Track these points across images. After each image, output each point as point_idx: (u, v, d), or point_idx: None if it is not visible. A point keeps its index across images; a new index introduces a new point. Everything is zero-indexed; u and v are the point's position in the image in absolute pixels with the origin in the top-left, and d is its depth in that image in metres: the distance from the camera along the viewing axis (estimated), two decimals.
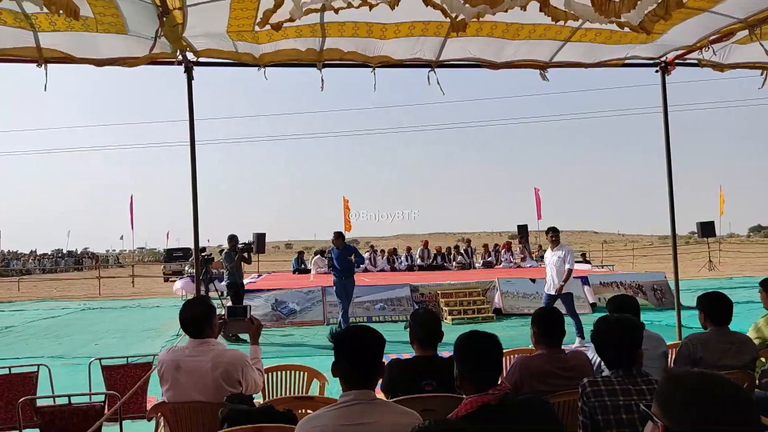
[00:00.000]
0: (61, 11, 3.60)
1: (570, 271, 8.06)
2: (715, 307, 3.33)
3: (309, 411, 2.96)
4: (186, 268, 22.00)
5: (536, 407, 2.05)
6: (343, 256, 9.54)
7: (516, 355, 3.34)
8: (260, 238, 19.59)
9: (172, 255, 31.67)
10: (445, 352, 3.04)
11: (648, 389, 2.13)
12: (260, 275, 18.67)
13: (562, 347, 2.93)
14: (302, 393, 3.55)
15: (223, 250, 16.25)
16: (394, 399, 2.57)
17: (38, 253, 54.84)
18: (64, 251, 54.96)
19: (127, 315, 14.56)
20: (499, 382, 2.07)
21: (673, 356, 3.74)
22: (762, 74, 5.49)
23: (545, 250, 23.56)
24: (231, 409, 2.50)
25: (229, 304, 10.17)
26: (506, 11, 3.94)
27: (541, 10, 3.78)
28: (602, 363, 3.23)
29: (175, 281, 19.26)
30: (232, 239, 10.06)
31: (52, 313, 15.28)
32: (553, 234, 8.43)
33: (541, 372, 2.78)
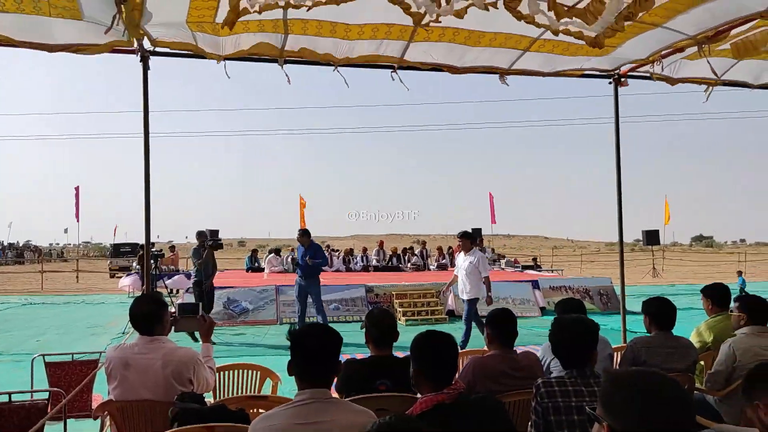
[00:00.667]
0: None
1: (488, 278, 7.89)
2: (660, 312, 3.46)
3: (262, 410, 2.92)
4: (134, 264, 21.39)
5: (490, 407, 2.08)
6: (306, 255, 9.32)
7: (469, 356, 3.38)
8: (212, 234, 19.24)
9: (119, 250, 30.68)
10: (399, 352, 3.06)
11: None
12: None
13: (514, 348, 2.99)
14: (255, 392, 3.51)
15: (173, 245, 15.77)
16: (349, 398, 2.57)
17: None
18: (5, 243, 52.62)
19: (71, 311, 14.04)
20: (453, 382, 2.09)
21: (618, 359, 3.87)
22: (706, 89, 5.75)
23: (498, 254, 23.87)
24: (181, 408, 2.44)
25: (180, 301, 9.88)
26: (465, 11, 4.00)
27: (507, 7, 3.84)
28: (551, 363, 3.33)
29: (121, 277, 18.68)
30: (201, 235, 9.72)
31: None
32: (462, 239, 8.19)
33: (494, 372, 2.82)
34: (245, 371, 3.60)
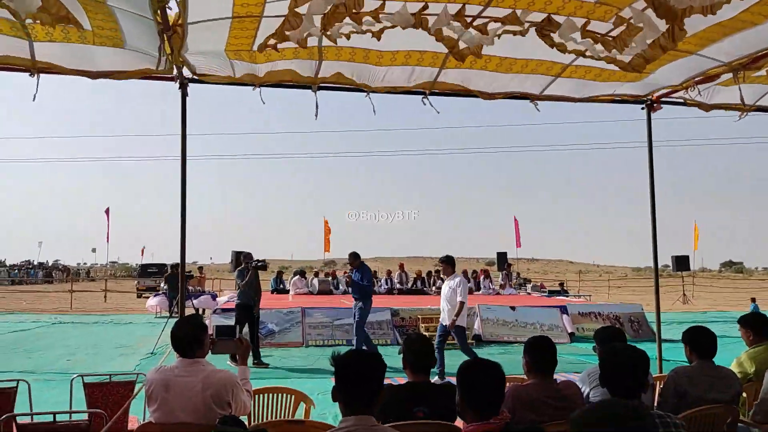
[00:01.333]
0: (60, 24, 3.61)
1: (462, 303, 7.61)
2: (701, 341, 3.39)
3: None
4: (161, 285, 21.66)
5: None
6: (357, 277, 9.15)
7: (508, 384, 3.34)
8: (238, 256, 19.41)
9: (146, 270, 31.09)
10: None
11: (649, 423, 2.13)
12: None
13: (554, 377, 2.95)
14: (289, 416, 3.51)
15: (201, 266, 15.95)
16: (387, 425, 2.56)
17: (7, 263, 53.54)
18: (35, 263, 53.75)
19: (100, 331, 14.24)
20: (500, 412, 2.07)
21: (658, 389, 3.79)
22: (740, 116, 5.69)
23: (524, 279, 23.63)
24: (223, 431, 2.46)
25: (213, 322, 9.89)
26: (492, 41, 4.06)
27: (540, 35, 3.89)
28: (591, 393, 3.27)
29: (148, 297, 18.91)
30: (246, 256, 9.48)
31: (22, 326, 14.88)
32: (443, 263, 8.04)
33: (533, 401, 2.79)
34: (280, 395, 3.60)
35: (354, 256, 9.29)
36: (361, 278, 9.08)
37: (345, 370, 2.06)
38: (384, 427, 2.08)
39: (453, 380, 2.36)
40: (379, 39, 3.76)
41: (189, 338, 2.84)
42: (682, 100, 5.41)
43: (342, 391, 2.04)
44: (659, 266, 6.07)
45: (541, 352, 2.91)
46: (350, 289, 9.41)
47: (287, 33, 3.72)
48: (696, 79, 5.05)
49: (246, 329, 8.98)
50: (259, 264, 9.30)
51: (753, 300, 18.02)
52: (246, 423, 3.23)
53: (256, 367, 8.79)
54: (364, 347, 8.74)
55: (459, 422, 3.14)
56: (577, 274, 40.93)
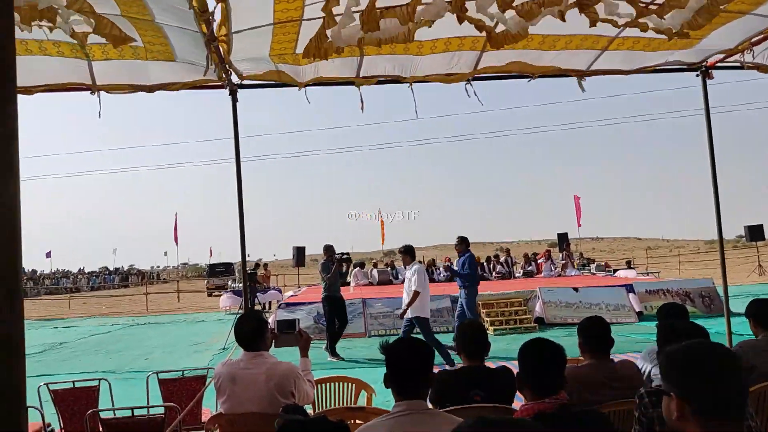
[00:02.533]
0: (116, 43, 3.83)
1: (416, 293, 7.43)
2: (765, 313, 3.27)
3: (360, 421, 3.04)
4: (229, 283, 22.47)
5: (594, 420, 2.07)
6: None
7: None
8: (299, 251, 19.90)
9: (214, 270, 32.30)
10: (489, 363, 3.08)
11: None
12: (300, 288, 18.94)
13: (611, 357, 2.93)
14: (351, 404, 3.63)
15: (258, 264, 16.39)
16: (444, 409, 2.62)
17: (86, 270, 56.71)
18: (111, 268, 56.67)
19: (174, 330, 14.94)
20: (558, 392, 2.09)
21: None
22: None
23: (587, 259, 23.05)
24: (286, 419, 2.58)
25: (278, 317, 10.18)
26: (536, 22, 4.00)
27: (581, 12, 3.81)
28: (652, 371, 3.22)
29: (220, 295, 19.69)
30: (329, 249, 9.53)
31: (102, 329, 15.80)
32: (402, 253, 7.85)
33: (590, 382, 2.78)
34: (341, 383, 3.73)
35: (461, 241, 8.88)
36: (463, 265, 8.74)
37: (394, 358, 2.13)
38: (435, 410, 2.15)
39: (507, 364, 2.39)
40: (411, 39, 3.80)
41: (251, 333, 2.99)
42: (738, 64, 5.17)
43: (393, 378, 2.12)
44: (732, 237, 5.86)
45: (593, 332, 2.90)
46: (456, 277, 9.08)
47: (328, 37, 3.80)
48: (752, 40, 4.82)
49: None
50: (344, 257, 9.45)
51: None
52: (311, 412, 3.38)
53: (333, 360, 9.00)
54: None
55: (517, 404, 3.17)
56: (645, 251, 39.59)
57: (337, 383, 3.73)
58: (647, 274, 20.12)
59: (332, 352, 9.22)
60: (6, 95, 1.00)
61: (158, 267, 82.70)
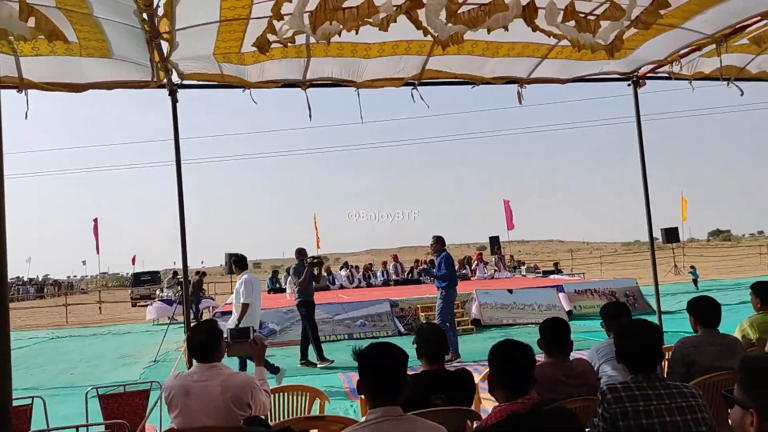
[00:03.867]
0: (43, 36, 3.58)
1: (245, 305, 7.25)
2: (706, 310, 3.46)
3: (319, 431, 2.98)
4: (157, 292, 21.59)
5: (564, 418, 2.10)
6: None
7: None
8: (233, 258, 19.42)
9: (139, 279, 30.99)
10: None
11: (666, 393, 2.19)
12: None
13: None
14: (305, 413, 3.54)
15: (202, 272, 15.89)
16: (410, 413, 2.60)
17: None
18: (25, 279, 53.25)
19: (99, 342, 14.17)
20: (528, 393, 2.11)
21: (666, 359, 3.86)
22: (728, 84, 5.75)
23: (518, 261, 23.75)
24: None
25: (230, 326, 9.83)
26: (488, 32, 4.08)
27: (528, 25, 3.91)
28: (601, 367, 3.33)
29: (146, 305, 18.89)
30: (300, 252, 9.25)
31: (19, 343, 14.76)
32: (234, 262, 7.73)
33: (548, 380, 2.84)
34: (295, 393, 3.64)
35: (437, 240, 8.64)
36: (439, 265, 8.51)
37: (368, 363, 2.09)
38: (411, 416, 2.11)
39: None
40: (357, 33, 3.77)
41: (206, 343, 2.86)
42: (667, 74, 5.47)
43: (367, 384, 2.08)
44: (648, 239, 6.15)
45: (554, 333, 2.97)
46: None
47: (271, 36, 3.71)
48: (680, 52, 5.11)
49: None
50: (315, 261, 9.13)
51: (692, 267, 19.80)
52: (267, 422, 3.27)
53: (323, 366, 8.74)
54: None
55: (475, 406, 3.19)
56: (569, 253, 41.25)
57: (290, 393, 3.64)
58: (573, 275, 20.97)
59: (320, 356, 8.85)
60: None
61: (76, 276, 78.53)
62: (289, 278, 18.17)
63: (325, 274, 18.86)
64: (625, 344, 2.35)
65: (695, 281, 18.71)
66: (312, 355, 9.05)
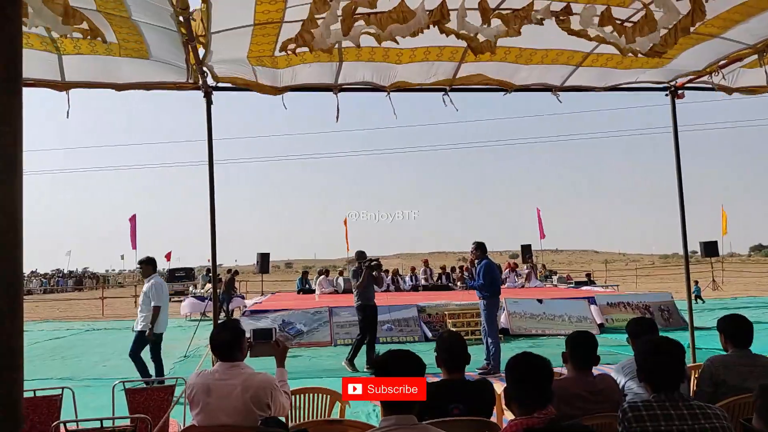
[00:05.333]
0: (87, 36, 3.70)
1: (157, 308, 7.07)
2: (736, 329, 3.34)
3: None
4: (190, 288, 22.01)
5: None
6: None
7: None
8: (264, 258, 19.67)
9: (174, 275, 31.59)
10: (471, 373, 3.06)
11: (689, 414, 2.13)
12: (264, 295, 18.68)
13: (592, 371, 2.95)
14: (325, 415, 3.56)
15: (234, 270, 16.06)
16: (423, 422, 2.58)
17: (39, 272, 54.75)
18: (65, 271, 54.82)
19: (132, 336, 14.44)
20: (546, 407, 2.08)
21: (694, 378, 3.76)
22: None
23: (550, 270, 23.38)
24: None
25: (244, 325, 9.90)
26: (518, 31, 4.03)
27: (559, 24, 3.88)
28: (626, 385, 3.26)
29: (180, 301, 19.26)
30: (360, 255, 9.04)
31: (57, 334, 15.20)
32: (143, 264, 7.45)
33: (570, 395, 2.79)
34: (315, 394, 3.66)
35: (477, 246, 8.37)
36: (479, 274, 8.16)
37: (383, 371, 2.09)
38: (424, 425, 2.11)
39: None
40: (397, 42, 3.79)
41: (228, 343, 2.90)
42: (706, 85, 5.33)
43: None
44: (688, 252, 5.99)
45: (580, 347, 2.92)
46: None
47: (307, 38, 3.75)
48: (720, 63, 4.98)
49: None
50: (374, 263, 8.85)
51: (695, 282, 18.77)
52: (286, 424, 3.29)
53: (349, 368, 8.42)
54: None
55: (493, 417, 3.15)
56: (603, 264, 40.48)
57: (311, 394, 3.66)
58: (606, 287, 20.56)
59: (350, 361, 8.54)
60: (12, 90, 0.92)
61: (114, 270, 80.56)
62: (319, 279, 18.34)
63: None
64: (646, 362, 2.29)
65: (698, 296, 18.45)
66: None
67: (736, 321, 3.36)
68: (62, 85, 4.64)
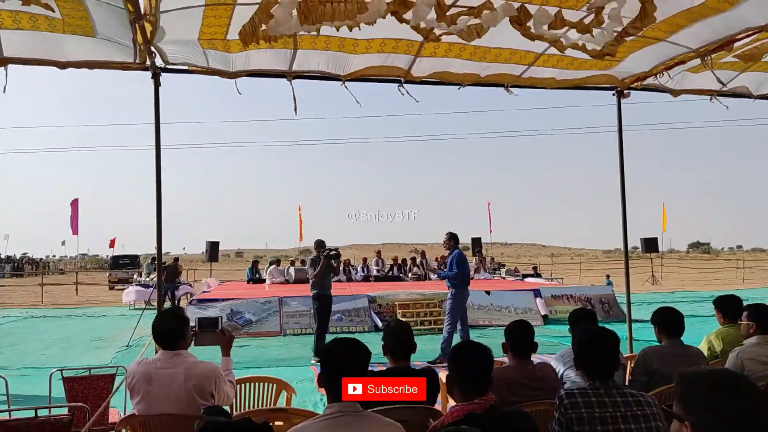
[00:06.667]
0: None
1: None
2: (669, 321, 3.51)
3: (280, 423, 2.97)
4: (135, 276, 21.42)
5: (520, 420, 2.13)
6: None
7: None
8: (213, 246, 19.33)
9: (118, 262, 30.73)
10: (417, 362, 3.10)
11: (623, 401, 2.22)
12: (210, 284, 18.37)
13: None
14: (270, 405, 3.54)
15: (176, 257, 15.73)
16: (370, 410, 2.61)
17: None
18: (2, 256, 52.40)
19: (73, 324, 14.00)
20: (486, 394, 2.13)
21: (629, 368, 3.92)
22: (711, 99, 5.83)
23: (498, 263, 23.85)
24: (209, 421, 2.47)
25: (189, 313, 9.74)
26: (475, 32, 4.08)
27: (514, 26, 3.94)
28: (565, 373, 3.37)
29: (123, 289, 18.74)
30: (319, 244, 8.94)
31: None
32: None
33: (510, 382, 2.87)
34: (261, 384, 3.63)
35: (450, 236, 8.42)
36: (451, 264, 8.27)
37: (329, 358, 2.10)
38: (369, 412, 2.12)
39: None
40: (350, 29, 3.77)
41: (171, 331, 2.85)
42: (651, 86, 5.53)
43: (326, 379, 2.08)
44: (629, 248, 6.22)
45: (520, 336, 3.00)
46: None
47: (263, 26, 3.69)
48: (665, 65, 5.16)
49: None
50: (332, 253, 8.79)
51: (607, 277, 19.88)
52: (229, 412, 3.26)
53: (316, 361, 8.44)
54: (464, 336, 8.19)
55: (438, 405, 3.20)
56: (550, 258, 41.56)
57: (256, 383, 3.63)
58: (552, 279, 21.15)
59: (316, 352, 8.58)
60: None
61: (54, 256, 77.52)
62: (270, 268, 18.16)
63: (305, 267, 18.85)
64: (582, 351, 2.38)
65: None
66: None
67: (668, 313, 3.53)
68: (0, 61, 4.41)
